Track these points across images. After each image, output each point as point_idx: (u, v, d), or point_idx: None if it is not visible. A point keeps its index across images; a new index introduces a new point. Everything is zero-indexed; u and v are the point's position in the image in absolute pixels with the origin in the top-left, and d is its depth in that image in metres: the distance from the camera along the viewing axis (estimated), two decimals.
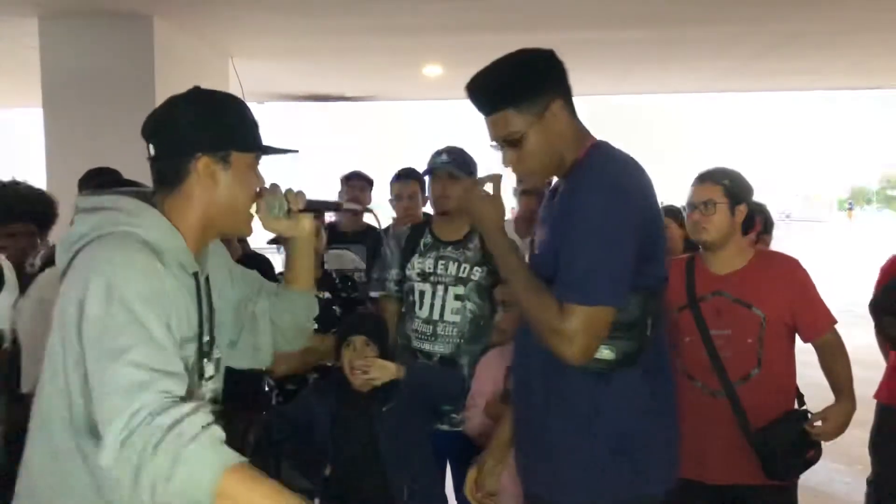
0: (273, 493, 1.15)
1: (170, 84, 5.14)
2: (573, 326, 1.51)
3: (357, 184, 4.12)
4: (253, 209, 1.49)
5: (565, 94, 1.64)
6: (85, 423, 1.25)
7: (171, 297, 1.31)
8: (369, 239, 3.81)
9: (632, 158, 1.67)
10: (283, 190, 1.55)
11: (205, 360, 1.44)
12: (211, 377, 1.47)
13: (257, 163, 1.47)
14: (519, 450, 1.84)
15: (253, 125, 1.46)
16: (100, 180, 2.74)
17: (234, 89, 6.41)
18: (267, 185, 1.52)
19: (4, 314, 2.32)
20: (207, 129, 1.39)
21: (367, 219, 4.37)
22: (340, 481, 2.30)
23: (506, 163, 1.67)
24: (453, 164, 2.67)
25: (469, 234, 2.72)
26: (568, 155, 1.65)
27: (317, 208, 1.63)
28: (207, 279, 1.48)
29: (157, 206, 1.39)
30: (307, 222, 1.59)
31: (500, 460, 1.96)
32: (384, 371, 2.28)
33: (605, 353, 1.58)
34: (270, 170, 1.63)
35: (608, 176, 1.58)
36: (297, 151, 1.57)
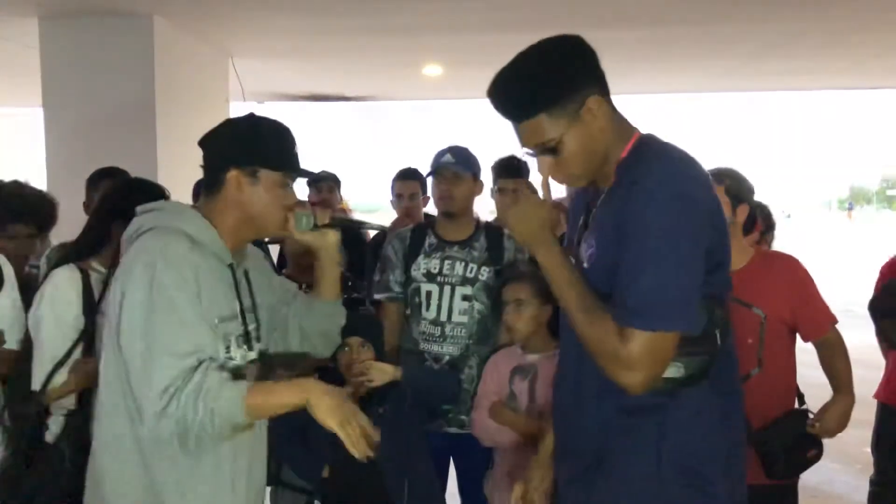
0: (285, 388, 1.52)
1: (170, 84, 5.15)
2: (635, 353, 1.35)
3: (325, 185, 3.92)
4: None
5: (600, 84, 1.48)
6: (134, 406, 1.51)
7: (203, 277, 1.53)
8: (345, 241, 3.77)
9: (688, 154, 1.49)
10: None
11: (248, 345, 1.65)
12: (253, 361, 1.67)
13: (289, 182, 1.67)
14: (565, 468, 1.67)
15: (286, 149, 1.66)
16: (109, 181, 2.77)
17: (234, 89, 6.41)
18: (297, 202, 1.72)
19: (4, 313, 2.32)
20: (240, 146, 1.62)
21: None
22: (339, 482, 2.30)
23: (543, 172, 1.52)
24: (457, 163, 2.65)
25: (474, 233, 2.70)
26: (612, 152, 1.49)
27: (340, 225, 1.81)
28: (247, 274, 1.69)
29: (202, 208, 1.64)
30: (332, 236, 1.79)
31: (544, 477, 1.86)
32: (382, 374, 2.29)
33: (673, 371, 1.43)
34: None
35: (672, 182, 1.39)
36: (324, 176, 1.76)
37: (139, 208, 1.67)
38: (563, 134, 1.44)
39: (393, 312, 2.76)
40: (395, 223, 3.64)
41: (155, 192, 2.40)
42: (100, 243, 2.28)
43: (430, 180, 2.79)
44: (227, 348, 1.59)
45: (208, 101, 5.89)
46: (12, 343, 2.31)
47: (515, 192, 1.64)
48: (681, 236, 1.36)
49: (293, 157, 1.67)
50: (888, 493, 2.93)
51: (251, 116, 1.69)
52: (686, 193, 1.39)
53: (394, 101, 9.79)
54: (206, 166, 1.66)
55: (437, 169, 2.67)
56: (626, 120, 1.53)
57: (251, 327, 1.66)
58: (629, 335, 1.36)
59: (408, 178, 3.66)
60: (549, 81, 1.44)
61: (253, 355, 1.67)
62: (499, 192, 3.37)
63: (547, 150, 1.47)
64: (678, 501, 1.47)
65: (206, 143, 1.66)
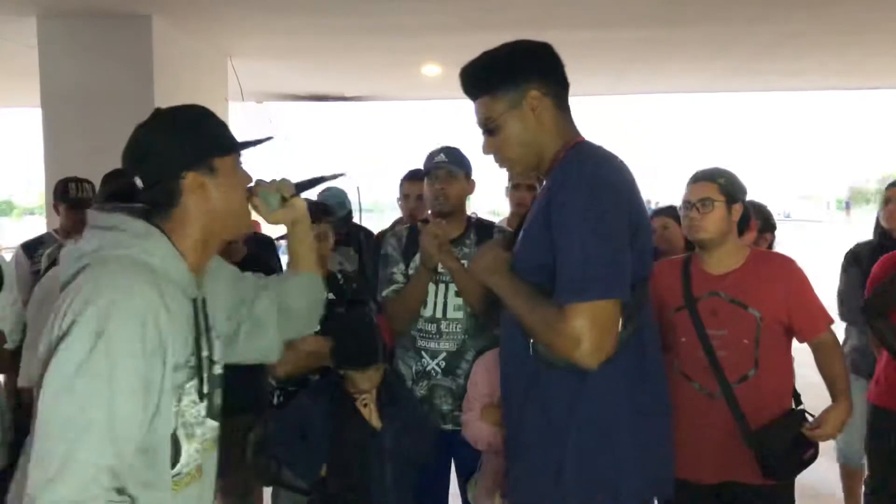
0: None
1: (168, 84, 5.14)
2: (577, 326, 1.44)
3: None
4: (252, 209, 1.57)
5: (550, 85, 1.63)
6: None
7: (165, 322, 1.31)
8: (354, 240, 3.78)
9: (613, 155, 1.63)
10: (270, 182, 1.62)
11: (201, 379, 1.43)
12: (208, 394, 1.45)
13: (239, 160, 1.51)
14: (505, 455, 1.79)
15: (223, 127, 1.50)
16: (119, 182, 2.75)
17: (233, 89, 6.42)
18: (254, 183, 1.57)
19: (5, 313, 2.32)
20: (185, 146, 1.41)
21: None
22: (336, 481, 2.31)
23: (484, 150, 1.70)
24: (450, 162, 2.67)
25: (465, 231, 2.72)
26: (549, 149, 1.64)
27: (305, 187, 1.69)
28: (204, 303, 1.47)
29: (161, 227, 1.41)
30: (300, 204, 1.67)
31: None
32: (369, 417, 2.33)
33: None
34: (269, 172, 1.69)
35: (587, 169, 1.54)
36: (271, 138, 1.67)
37: (92, 219, 1.42)
38: (501, 116, 1.62)
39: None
40: (397, 223, 3.65)
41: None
42: None
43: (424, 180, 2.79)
44: (179, 399, 1.37)
45: (207, 102, 5.80)
46: (12, 344, 2.31)
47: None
48: (597, 214, 1.48)
49: (231, 133, 1.52)
50: (882, 494, 2.93)
51: (167, 112, 1.47)
52: (598, 178, 1.53)
53: (393, 101, 9.79)
54: (151, 185, 1.41)
55: (432, 169, 2.69)
56: (573, 127, 1.68)
57: (204, 357, 1.43)
58: (569, 311, 1.46)
59: (415, 180, 3.66)
60: (496, 68, 1.64)
61: (206, 388, 1.44)
62: (513, 189, 3.40)
63: (488, 129, 1.66)
64: (574, 476, 1.56)
65: (140, 161, 1.41)
